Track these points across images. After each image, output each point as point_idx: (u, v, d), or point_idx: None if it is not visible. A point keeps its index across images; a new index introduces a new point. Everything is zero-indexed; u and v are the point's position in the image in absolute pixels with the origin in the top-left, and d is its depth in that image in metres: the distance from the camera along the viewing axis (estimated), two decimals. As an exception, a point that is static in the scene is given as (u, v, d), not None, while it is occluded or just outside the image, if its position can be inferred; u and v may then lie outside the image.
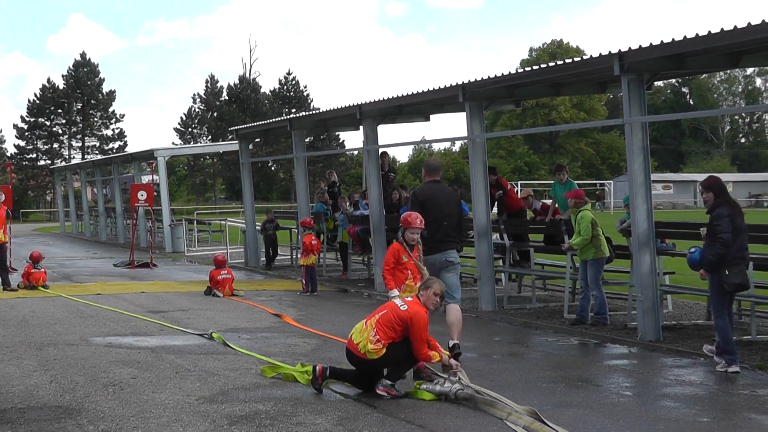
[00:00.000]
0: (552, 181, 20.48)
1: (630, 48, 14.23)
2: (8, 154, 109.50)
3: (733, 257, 11.93)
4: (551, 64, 16.72)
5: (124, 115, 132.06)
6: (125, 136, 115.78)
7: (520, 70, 18.21)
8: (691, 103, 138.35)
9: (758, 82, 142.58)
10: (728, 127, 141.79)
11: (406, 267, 12.03)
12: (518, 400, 9.84)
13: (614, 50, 14.49)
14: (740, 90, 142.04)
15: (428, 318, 10.73)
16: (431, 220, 12.69)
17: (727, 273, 11.91)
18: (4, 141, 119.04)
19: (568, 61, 16.33)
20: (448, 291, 11.99)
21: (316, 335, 15.25)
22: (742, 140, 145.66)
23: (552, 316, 17.53)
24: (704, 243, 12.37)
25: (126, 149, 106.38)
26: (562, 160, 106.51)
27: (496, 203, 21.35)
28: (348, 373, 10.88)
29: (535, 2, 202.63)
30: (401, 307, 10.62)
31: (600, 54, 14.93)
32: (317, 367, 10.76)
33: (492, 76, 17.63)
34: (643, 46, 14.05)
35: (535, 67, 17.10)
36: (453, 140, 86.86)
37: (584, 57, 15.67)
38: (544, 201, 23.46)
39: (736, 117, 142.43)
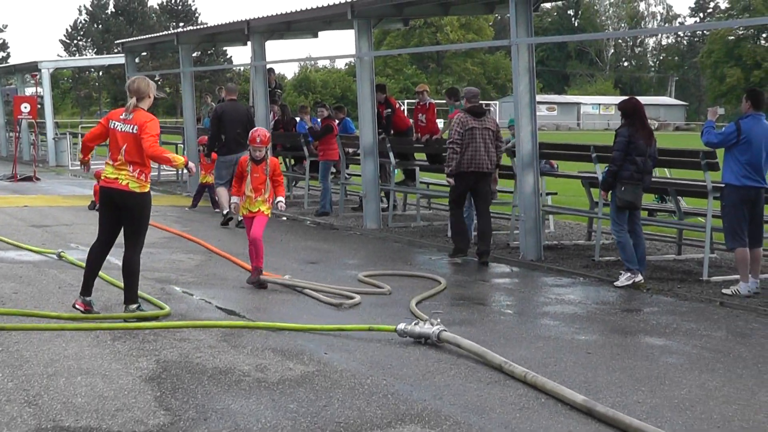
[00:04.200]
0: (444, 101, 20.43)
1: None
2: None
3: (630, 177, 12.33)
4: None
5: (6, 26, 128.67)
6: (8, 47, 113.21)
7: (410, -11, 18.13)
8: (577, 25, 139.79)
9: (642, 6, 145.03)
10: (612, 51, 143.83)
11: (253, 180, 12.24)
12: (402, 317, 10.00)
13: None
14: (624, 14, 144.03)
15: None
16: (227, 129, 18.49)
17: (623, 189, 12.37)
18: None
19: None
20: None
21: (202, 251, 15.22)
22: (625, 64, 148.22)
23: (436, 234, 17.72)
24: None
25: (9, 61, 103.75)
26: (449, 79, 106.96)
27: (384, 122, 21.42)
28: None
29: None
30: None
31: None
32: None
33: (381, -6, 17.56)
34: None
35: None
36: (340, 57, 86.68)
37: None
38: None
39: (620, 41, 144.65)
